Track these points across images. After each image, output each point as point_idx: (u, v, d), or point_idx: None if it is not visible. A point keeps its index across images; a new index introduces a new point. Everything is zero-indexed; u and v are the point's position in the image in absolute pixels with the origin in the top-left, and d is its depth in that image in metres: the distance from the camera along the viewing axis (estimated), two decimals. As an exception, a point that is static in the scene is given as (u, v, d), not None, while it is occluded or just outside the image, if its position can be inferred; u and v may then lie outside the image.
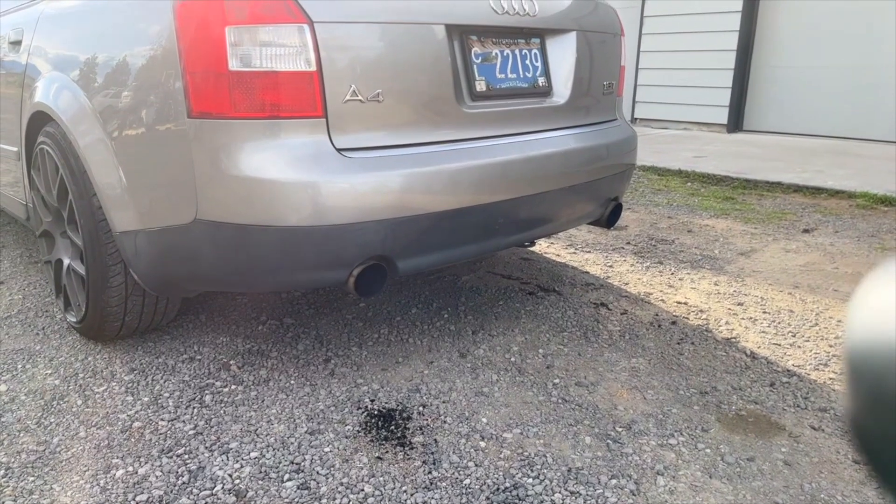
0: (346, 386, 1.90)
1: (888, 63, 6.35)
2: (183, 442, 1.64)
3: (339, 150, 1.64)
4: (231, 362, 2.03)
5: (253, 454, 1.59)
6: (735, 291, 2.69)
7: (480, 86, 1.92)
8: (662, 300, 2.60)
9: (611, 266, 3.01)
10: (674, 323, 2.38)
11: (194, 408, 1.78)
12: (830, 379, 1.98)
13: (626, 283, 2.78)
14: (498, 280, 2.80)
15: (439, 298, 2.57)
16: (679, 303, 2.58)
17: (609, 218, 2.43)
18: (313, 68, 1.58)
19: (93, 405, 1.81)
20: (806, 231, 3.58)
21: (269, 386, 1.90)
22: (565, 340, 2.23)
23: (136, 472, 1.52)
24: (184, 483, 1.49)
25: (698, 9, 7.31)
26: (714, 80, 7.30)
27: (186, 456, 1.58)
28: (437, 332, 2.26)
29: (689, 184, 4.83)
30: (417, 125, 1.77)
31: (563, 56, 2.16)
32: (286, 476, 1.51)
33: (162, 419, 1.73)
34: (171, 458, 1.58)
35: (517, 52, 2.03)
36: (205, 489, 1.47)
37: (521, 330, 2.30)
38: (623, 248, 3.29)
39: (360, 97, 1.65)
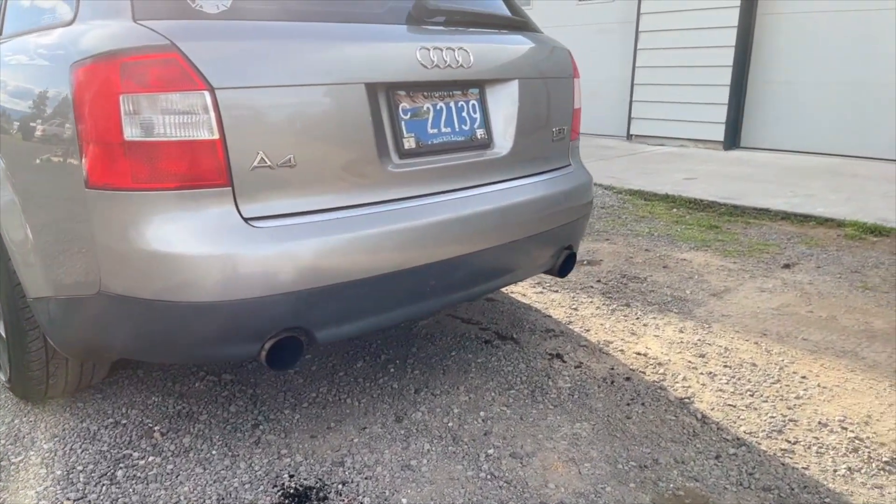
0: (268, 457, 1.82)
1: (888, 80, 6.19)
2: (82, 527, 1.56)
3: (246, 220, 1.56)
4: (156, 428, 1.96)
5: (151, 543, 1.51)
6: (699, 340, 2.58)
7: (409, 143, 1.84)
8: (622, 350, 2.50)
9: (575, 308, 2.91)
10: (628, 379, 2.28)
11: (103, 485, 1.70)
12: (782, 450, 1.87)
13: (588, 330, 2.68)
14: (456, 325, 2.71)
15: (389, 349, 2.48)
16: (639, 354, 2.47)
17: (561, 268, 2.33)
18: (216, 136, 1.51)
19: (4, 478, 1.74)
20: (786, 266, 3.46)
21: (189, 457, 1.82)
22: (510, 400, 2.13)
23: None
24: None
25: (694, 24, 7.19)
26: (710, 96, 7.17)
27: (81, 545, 1.51)
28: (379, 391, 2.18)
29: (674, 210, 4.72)
30: (337, 189, 1.69)
31: (504, 106, 2.07)
32: (179, 572, 1.43)
33: (68, 498, 1.66)
34: (65, 547, 1.50)
35: (453, 104, 1.95)
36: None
37: (466, 387, 2.21)
38: (592, 286, 3.19)
39: (268, 164, 1.57)
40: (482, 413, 2.06)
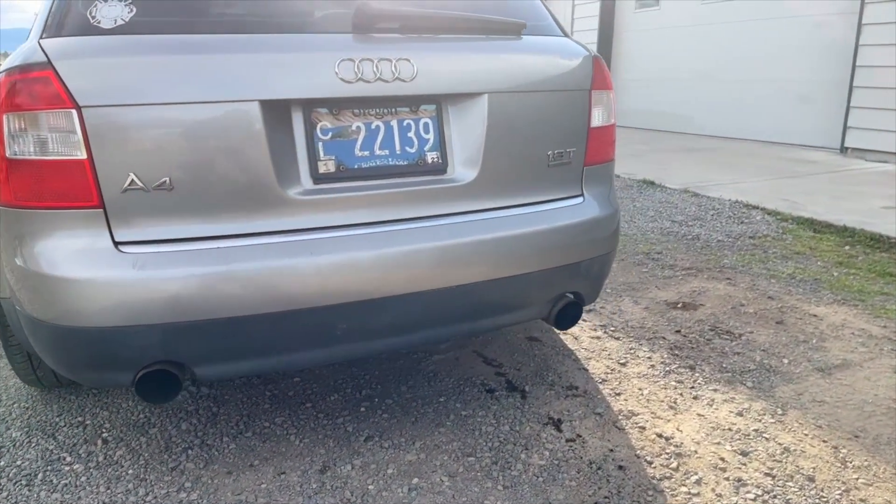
0: (170, 488, 1.74)
1: None
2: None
3: (117, 244, 1.49)
4: (106, 435, 1.99)
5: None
6: (756, 431, 2.00)
7: (327, 166, 1.63)
8: (643, 427, 2.03)
9: (623, 364, 2.44)
10: (621, 468, 1.83)
11: (19, 486, 1.75)
12: None
13: (619, 394, 2.22)
14: (472, 364, 2.42)
15: (379, 384, 2.28)
16: (660, 436, 1.98)
17: (559, 318, 1.94)
18: (83, 156, 1.44)
19: (-37, 460, 1.88)
20: (958, 341, 2.58)
21: (105, 472, 1.81)
22: (460, 470, 1.82)
23: None
24: None
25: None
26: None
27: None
28: (329, 432, 2.00)
29: (846, 247, 3.81)
30: (222, 216, 1.54)
31: (468, 125, 1.76)
32: None
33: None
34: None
35: (395, 123, 1.69)
36: None
37: (423, 445, 1.93)
38: (665, 337, 2.66)
39: (141, 186, 1.48)
40: (415, 480, 1.78)
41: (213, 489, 1.74)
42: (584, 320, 2.85)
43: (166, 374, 1.54)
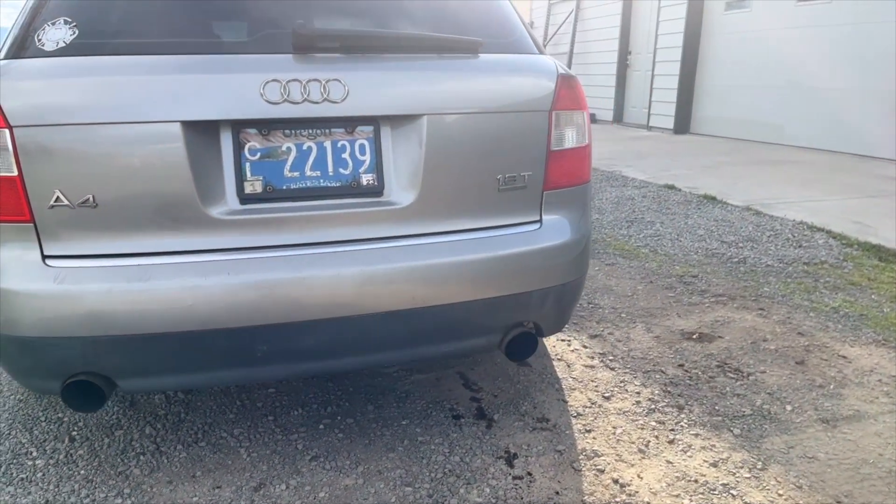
0: (106, 492, 1.80)
1: None
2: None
3: (45, 258, 1.55)
4: (74, 433, 2.09)
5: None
6: (725, 485, 1.82)
7: (254, 186, 1.63)
8: (601, 469, 1.90)
9: (608, 398, 2.30)
10: (559, 514, 1.72)
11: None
12: None
13: (590, 431, 2.10)
14: (451, 387, 2.36)
15: (349, 401, 2.27)
16: (616, 482, 1.85)
17: (510, 348, 1.85)
18: (14, 173, 1.52)
19: (-51, 447, 2.03)
20: None
21: (57, 471, 1.90)
22: (391, 500, 1.77)
23: None
24: None
25: None
26: None
27: None
28: (280, 448, 2.00)
29: (912, 280, 3.44)
30: (146, 234, 1.57)
31: (405, 148, 1.70)
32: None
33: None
34: None
35: (328, 144, 1.67)
36: None
37: (364, 470, 1.90)
38: (664, 371, 2.49)
39: (66, 202, 1.53)
40: (342, 507, 1.75)
41: (149, 497, 1.78)
42: (584, 346, 2.72)
43: (91, 384, 1.59)
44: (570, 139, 1.89)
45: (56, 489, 1.81)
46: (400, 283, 1.67)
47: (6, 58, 1.59)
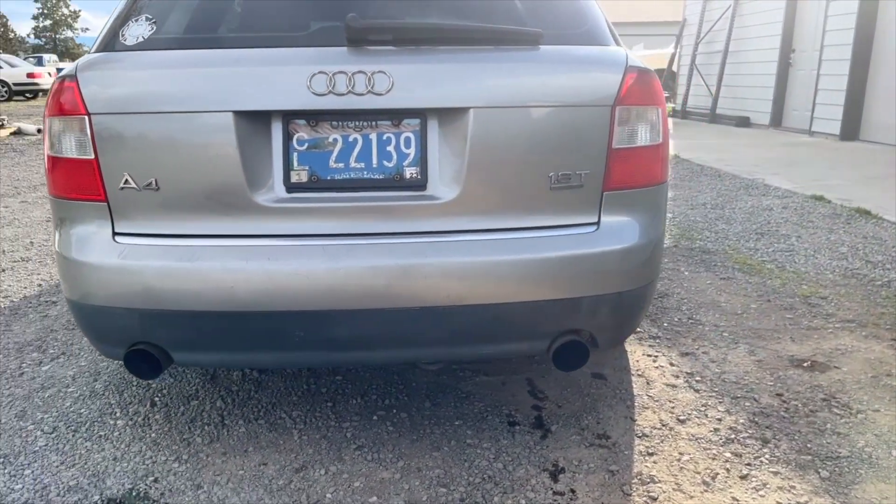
0: (168, 456, 1.93)
1: None
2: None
3: (115, 235, 1.69)
4: (157, 399, 2.26)
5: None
6: (794, 532, 1.60)
7: (300, 176, 1.66)
8: (654, 497, 1.75)
9: (682, 421, 2.11)
10: (592, 538, 1.60)
11: (72, 434, 2.08)
12: None
13: (652, 454, 1.94)
14: (515, 393, 2.29)
15: (408, 396, 2.26)
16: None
17: (558, 356, 1.75)
18: (91, 156, 1.66)
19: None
20: None
21: (137, 434, 2.06)
22: (423, 499, 1.74)
23: None
24: None
25: None
26: None
27: None
28: (330, 434, 2.04)
29: None
30: (200, 217, 1.66)
31: (449, 141, 1.66)
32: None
33: (43, 431, 2.09)
34: None
35: (374, 136, 1.66)
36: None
37: (404, 466, 1.88)
38: (756, 399, 2.24)
39: (133, 185, 1.66)
40: (372, 499, 1.74)
41: (201, 466, 1.89)
42: (671, 364, 2.52)
43: (149, 354, 1.71)
44: (640, 137, 1.75)
45: (126, 448, 1.97)
46: (437, 279, 1.63)
47: (95, 51, 1.75)
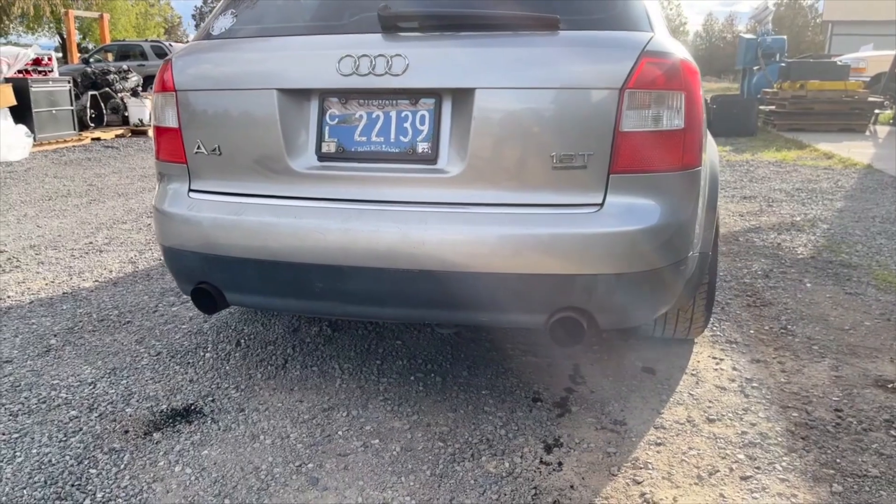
0: (228, 385, 2.28)
1: None
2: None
3: (190, 191, 2.06)
4: (209, 346, 2.65)
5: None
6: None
7: (329, 147, 1.90)
8: (638, 482, 1.74)
9: (711, 421, 2.03)
10: (555, 505, 1.65)
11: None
12: None
13: (659, 445, 1.91)
14: (554, 374, 2.35)
15: (450, 363, 2.42)
16: (643, 497, 1.68)
17: (554, 331, 1.81)
18: (176, 126, 2.05)
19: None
20: None
21: (198, 367, 2.45)
22: (417, 448, 1.90)
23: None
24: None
25: None
26: None
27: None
28: (366, 385, 2.26)
29: None
30: (249, 178, 1.96)
31: (457, 120, 1.79)
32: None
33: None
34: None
35: (394, 114, 1.85)
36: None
37: (416, 420, 2.05)
38: (807, 411, 2.08)
39: (203, 150, 2.01)
40: (374, 441, 1.93)
41: (251, 396, 2.21)
42: (734, 368, 2.40)
43: (206, 292, 2.05)
44: (655, 121, 1.75)
45: (203, 374, 2.36)
46: (435, 245, 1.78)
47: (193, 40, 2.13)
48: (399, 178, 1.84)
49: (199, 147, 2.01)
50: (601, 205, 1.77)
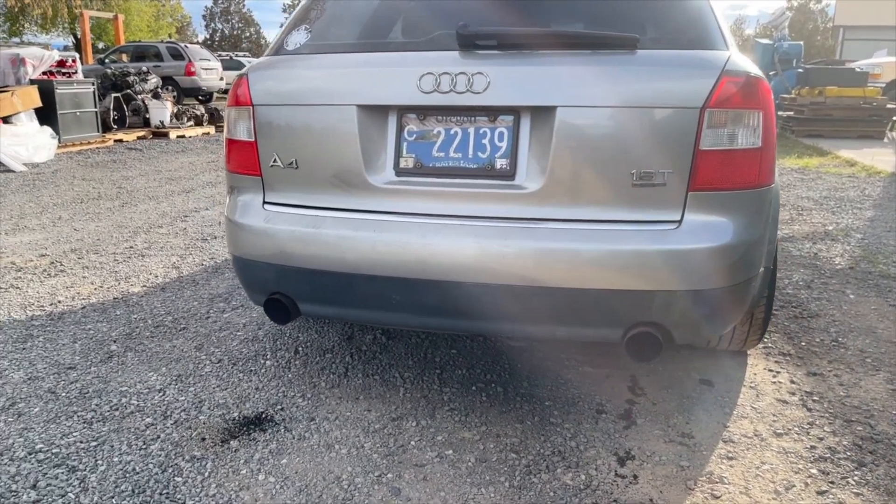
0: (296, 392, 2.31)
1: None
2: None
3: (265, 203, 2.10)
4: (268, 353, 2.68)
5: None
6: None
7: (407, 162, 1.93)
8: (715, 496, 1.77)
9: (778, 434, 2.06)
10: (637, 518, 1.67)
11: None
12: None
13: (731, 459, 1.93)
14: (615, 385, 2.38)
15: (509, 374, 2.45)
16: (723, 510, 1.71)
17: (630, 346, 1.84)
18: (253, 139, 2.08)
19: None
20: None
21: (261, 374, 2.49)
22: (491, 459, 1.93)
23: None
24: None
25: None
26: None
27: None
28: (430, 395, 2.29)
29: None
30: (326, 192, 2.00)
31: (536, 137, 1.82)
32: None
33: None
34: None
35: (472, 130, 1.88)
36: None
37: (485, 431, 2.08)
38: (869, 424, 2.10)
39: (279, 164, 2.04)
40: (448, 452, 1.96)
41: (319, 404, 2.24)
42: (791, 381, 2.42)
43: (279, 303, 2.08)
44: (734, 140, 1.78)
45: (267, 382, 2.39)
46: (515, 261, 1.81)
47: (266, 55, 2.17)
48: (477, 194, 1.87)
49: (275, 160, 2.04)
50: (679, 222, 1.79)
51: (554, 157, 1.80)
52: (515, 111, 1.85)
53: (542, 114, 1.81)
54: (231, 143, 2.16)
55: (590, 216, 1.82)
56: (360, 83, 1.94)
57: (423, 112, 1.91)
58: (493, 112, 1.86)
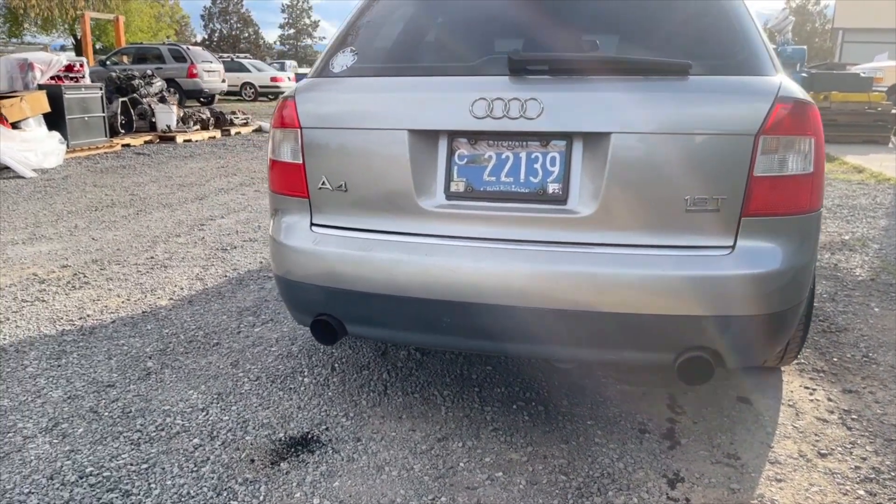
0: (339, 411, 2.32)
1: None
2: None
3: (312, 225, 2.10)
4: (304, 370, 2.69)
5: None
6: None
7: (458, 186, 1.94)
8: (768, 520, 1.78)
9: (823, 455, 2.07)
10: (695, 544, 1.69)
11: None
12: None
13: (780, 481, 1.95)
14: (654, 404, 2.39)
15: (549, 392, 2.46)
16: (778, 535, 1.72)
17: (683, 371, 1.85)
18: (300, 161, 2.09)
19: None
20: None
21: (301, 392, 2.50)
22: (542, 482, 1.94)
23: (189, 396, 2.46)
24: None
25: None
26: None
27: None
28: (472, 414, 2.30)
29: None
30: (375, 215, 2.00)
31: (590, 162, 1.83)
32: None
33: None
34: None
35: (524, 155, 1.89)
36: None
37: (532, 451, 2.09)
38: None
39: (328, 186, 2.05)
40: (498, 474, 1.97)
41: (363, 424, 2.25)
42: (828, 399, 2.44)
43: (326, 324, 2.09)
44: (786, 166, 1.79)
45: (308, 400, 2.40)
46: (568, 285, 1.82)
47: (311, 77, 2.18)
48: (528, 218, 1.88)
49: (323, 183, 2.05)
50: (732, 247, 1.81)
51: (608, 183, 1.81)
52: (568, 136, 1.86)
53: (596, 139, 1.82)
54: (276, 164, 2.17)
55: (642, 241, 1.83)
56: (411, 108, 1.95)
57: (475, 137, 1.92)
58: (545, 137, 1.87)
